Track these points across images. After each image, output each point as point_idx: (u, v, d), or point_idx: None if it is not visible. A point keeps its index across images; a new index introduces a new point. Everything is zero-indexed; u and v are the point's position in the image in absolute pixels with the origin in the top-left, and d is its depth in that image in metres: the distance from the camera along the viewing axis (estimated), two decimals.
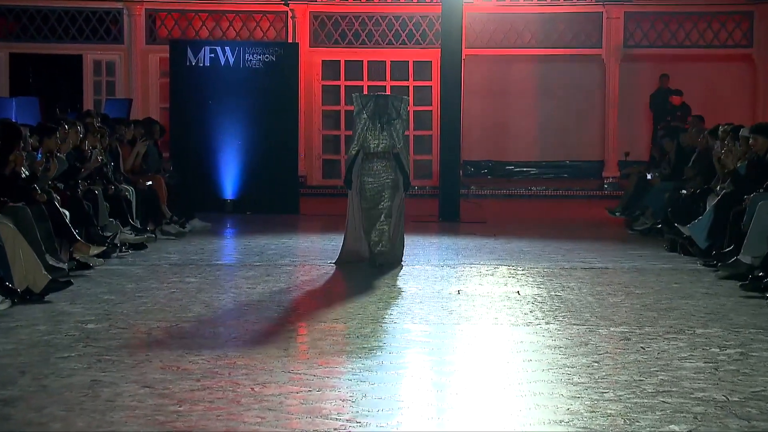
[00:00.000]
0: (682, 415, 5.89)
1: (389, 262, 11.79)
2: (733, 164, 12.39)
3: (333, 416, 5.80)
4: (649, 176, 16.50)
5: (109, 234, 12.41)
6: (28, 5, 22.13)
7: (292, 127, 18.54)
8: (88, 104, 21.89)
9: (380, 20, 22.53)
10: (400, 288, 10.49)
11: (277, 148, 18.25)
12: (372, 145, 11.81)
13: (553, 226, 16.75)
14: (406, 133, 12.28)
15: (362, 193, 11.82)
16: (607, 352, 7.51)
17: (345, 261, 11.98)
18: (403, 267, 11.73)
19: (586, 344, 7.75)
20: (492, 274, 11.45)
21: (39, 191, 10.74)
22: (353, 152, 11.91)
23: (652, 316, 8.94)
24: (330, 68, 22.99)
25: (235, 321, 8.67)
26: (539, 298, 9.82)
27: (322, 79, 22.92)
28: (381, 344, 7.81)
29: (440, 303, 9.57)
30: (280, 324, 8.62)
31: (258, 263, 12.13)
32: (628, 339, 7.98)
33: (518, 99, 22.89)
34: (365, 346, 7.65)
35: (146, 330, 8.19)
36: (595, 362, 7.15)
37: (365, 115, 11.86)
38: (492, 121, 23.23)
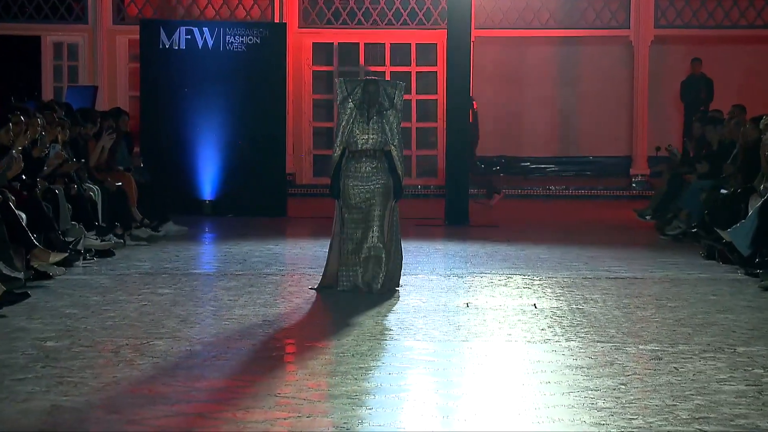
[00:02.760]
0: None
1: (386, 288, 10.86)
2: None
3: None
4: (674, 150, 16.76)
5: (71, 239, 12.41)
6: None
7: (278, 119, 18.56)
8: (47, 92, 21.94)
9: None
10: (401, 300, 10.49)
11: (261, 142, 18.27)
12: (360, 142, 10.84)
13: (574, 231, 16.75)
14: (403, 125, 11.64)
15: (346, 200, 10.85)
16: (635, 373, 7.51)
17: (328, 287, 10.97)
18: (398, 292, 10.89)
19: (612, 364, 7.75)
20: (505, 285, 11.46)
21: None
22: (338, 152, 10.95)
23: (686, 333, 8.95)
24: (321, 52, 23.02)
25: (215, 338, 8.67)
26: (558, 312, 9.83)
27: (312, 64, 22.96)
28: (379, 364, 7.82)
29: (446, 317, 9.58)
30: (265, 341, 8.63)
31: (240, 272, 12.14)
32: (660, 358, 7.99)
33: (535, 87, 22.92)
34: (361, 366, 7.66)
35: (113, 348, 8.19)
36: (622, 385, 7.16)
37: (351, 104, 10.95)
38: (505, 112, 23.27)
